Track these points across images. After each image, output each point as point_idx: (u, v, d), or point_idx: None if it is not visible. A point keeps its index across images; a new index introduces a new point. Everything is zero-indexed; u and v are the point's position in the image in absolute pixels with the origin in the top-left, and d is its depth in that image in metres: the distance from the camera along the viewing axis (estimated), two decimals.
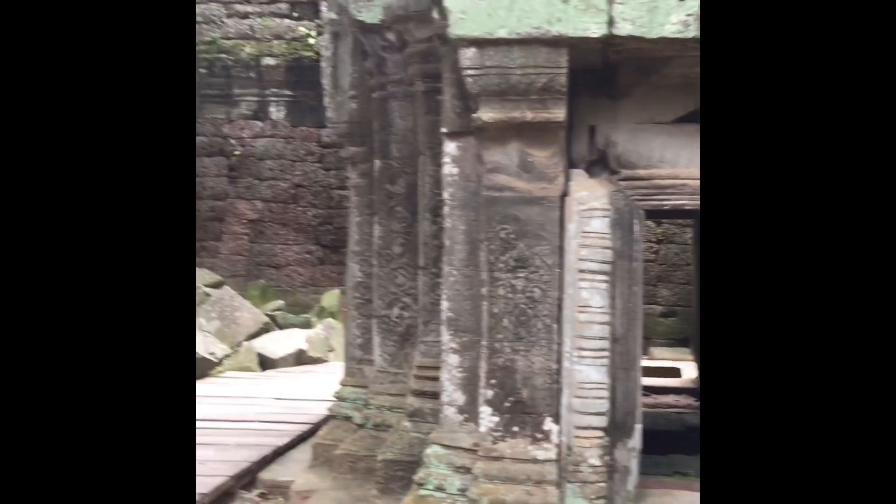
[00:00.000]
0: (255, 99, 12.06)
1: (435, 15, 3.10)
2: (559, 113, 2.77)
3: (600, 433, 2.85)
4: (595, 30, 2.64)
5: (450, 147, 3.22)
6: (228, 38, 12.03)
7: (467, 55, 2.74)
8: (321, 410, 5.60)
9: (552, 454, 2.83)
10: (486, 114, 2.79)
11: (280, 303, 10.60)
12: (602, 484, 2.84)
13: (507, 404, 2.85)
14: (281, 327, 9.52)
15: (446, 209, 3.24)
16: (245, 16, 12.10)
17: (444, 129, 3.26)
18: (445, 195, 3.24)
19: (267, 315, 9.49)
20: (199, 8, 12.17)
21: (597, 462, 2.83)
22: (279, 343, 8.61)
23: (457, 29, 2.72)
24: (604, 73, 2.99)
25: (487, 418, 2.86)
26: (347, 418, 4.43)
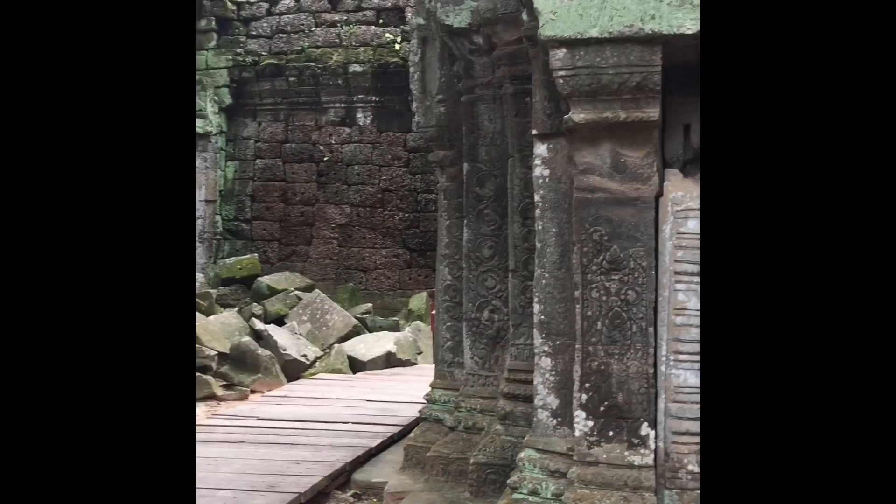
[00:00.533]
0: (343, 105, 12.28)
1: (524, 16, 3.09)
2: (653, 112, 2.71)
3: (699, 439, 2.77)
4: (690, 26, 2.57)
5: (540, 149, 3.20)
6: (317, 47, 12.29)
7: (558, 56, 2.71)
8: (411, 413, 5.66)
9: (649, 460, 2.77)
10: (577, 115, 2.75)
11: (369, 306, 10.73)
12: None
13: (602, 409, 2.80)
14: (370, 330, 9.64)
15: (537, 211, 3.22)
16: (333, 24, 12.33)
17: (534, 131, 3.24)
18: (536, 197, 3.22)
19: (356, 318, 9.63)
20: (289, 18, 12.48)
21: (696, 468, 2.76)
22: (369, 346, 8.72)
23: (547, 30, 2.70)
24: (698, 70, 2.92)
25: (582, 423, 2.82)
26: (438, 421, 4.45)
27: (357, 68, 11.96)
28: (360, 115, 12.22)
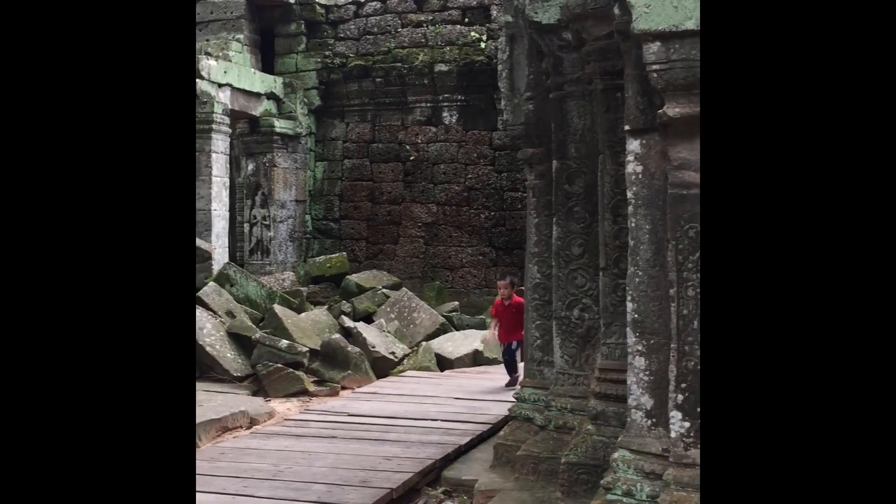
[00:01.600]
0: (429, 105, 12.36)
1: (615, 11, 3.05)
2: None
3: None
4: None
5: (633, 145, 3.15)
6: (403, 48, 12.41)
7: (652, 49, 2.67)
8: (499, 411, 5.65)
9: None
10: (672, 109, 2.70)
11: (455, 304, 10.77)
12: None
13: (700, 409, 2.74)
14: (457, 328, 9.67)
15: (630, 208, 3.17)
16: (418, 24, 12.43)
17: (626, 127, 3.19)
18: (629, 194, 3.16)
19: (443, 316, 9.68)
20: (375, 19, 12.65)
21: None
22: (456, 344, 8.75)
23: (641, 23, 2.65)
24: None
25: (678, 424, 2.77)
26: (528, 419, 4.44)
27: (443, 67, 12.02)
28: (445, 114, 12.28)
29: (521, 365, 6.39)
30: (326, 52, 12.70)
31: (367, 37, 12.71)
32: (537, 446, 4.07)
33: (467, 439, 5.08)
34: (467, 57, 11.92)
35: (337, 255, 11.64)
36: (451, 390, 6.90)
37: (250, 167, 12.37)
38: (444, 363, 8.38)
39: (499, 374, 7.66)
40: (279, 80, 12.42)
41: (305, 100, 12.64)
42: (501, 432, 4.66)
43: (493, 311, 7.54)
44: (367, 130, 12.76)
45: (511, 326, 7.04)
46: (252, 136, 12.26)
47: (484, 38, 11.96)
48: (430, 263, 12.29)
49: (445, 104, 12.24)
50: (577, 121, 4.12)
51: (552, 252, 4.34)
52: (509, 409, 4.78)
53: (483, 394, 6.65)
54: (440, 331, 9.25)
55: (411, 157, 12.42)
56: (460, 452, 4.85)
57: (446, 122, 12.27)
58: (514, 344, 7.02)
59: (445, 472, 4.49)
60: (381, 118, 12.68)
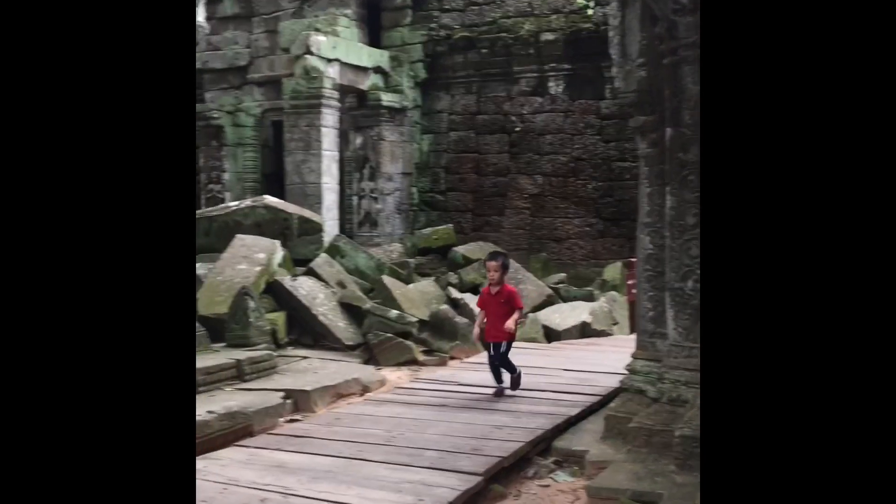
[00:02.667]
0: (535, 75, 12.24)
1: None
2: None
3: None
4: None
5: None
6: (508, 17, 12.31)
7: None
8: (609, 383, 5.61)
9: None
10: None
11: (562, 276, 10.71)
12: None
13: None
14: (564, 300, 9.62)
15: None
16: None
17: None
18: None
19: (550, 288, 9.64)
20: None
21: None
22: (563, 315, 8.71)
23: None
24: None
25: None
26: (640, 392, 4.39)
27: (548, 37, 11.86)
28: (551, 83, 12.14)
29: (504, 377, 5.61)
30: (432, 25, 12.73)
31: (472, 7, 12.66)
32: (650, 418, 4.03)
33: (577, 410, 5.07)
34: (574, 25, 11.72)
35: (443, 226, 11.74)
36: (559, 362, 6.88)
37: (358, 141, 12.59)
38: (551, 335, 8.36)
39: (607, 346, 7.59)
40: (386, 53, 12.55)
41: (411, 73, 12.73)
42: (612, 404, 4.63)
43: (479, 301, 5.91)
44: (473, 102, 12.76)
45: (498, 321, 5.55)
46: (360, 110, 12.46)
47: (591, 4, 11.72)
48: (535, 235, 12.24)
49: (551, 74, 12.09)
50: (693, 87, 4.00)
51: (665, 222, 4.25)
52: (620, 382, 4.74)
53: (592, 365, 6.61)
54: (547, 302, 9.23)
55: (517, 129, 12.35)
56: (570, 423, 4.85)
57: (552, 92, 12.13)
58: (504, 346, 5.56)
59: (556, 443, 4.50)
60: (487, 89, 12.64)
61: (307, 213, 9.69)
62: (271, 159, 12.92)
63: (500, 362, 5.58)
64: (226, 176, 12.64)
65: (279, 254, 8.31)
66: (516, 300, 5.63)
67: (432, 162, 13.07)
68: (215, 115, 12.49)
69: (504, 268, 5.63)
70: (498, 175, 12.54)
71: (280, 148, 12.07)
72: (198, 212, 9.99)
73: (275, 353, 6.58)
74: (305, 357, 7.01)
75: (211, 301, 7.30)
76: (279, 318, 7.56)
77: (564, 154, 12.03)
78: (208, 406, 4.92)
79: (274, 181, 12.56)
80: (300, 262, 8.86)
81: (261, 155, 12.89)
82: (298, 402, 5.57)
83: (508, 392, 5.57)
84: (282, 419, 5.28)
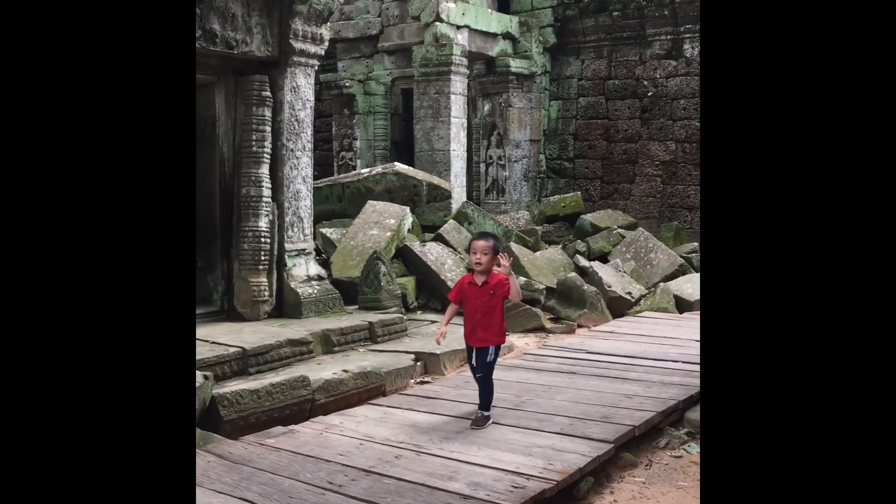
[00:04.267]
0: (669, 37, 11.82)
1: None
2: None
3: None
4: None
5: None
6: None
7: None
8: None
9: None
10: None
11: (694, 245, 10.38)
12: None
13: None
14: (696, 270, 9.34)
15: None
16: None
17: None
18: None
19: (681, 257, 9.37)
20: None
21: None
22: (695, 285, 8.46)
23: None
24: None
25: None
26: None
27: None
28: (686, 46, 11.69)
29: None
30: None
31: None
32: None
33: None
34: None
35: (571, 194, 11.61)
36: (690, 333, 6.70)
37: (486, 108, 12.57)
38: (682, 305, 8.14)
39: None
40: (514, 19, 12.43)
41: (540, 38, 12.56)
42: None
43: (455, 293, 4.43)
44: (603, 67, 12.48)
45: (483, 319, 4.21)
46: (488, 76, 12.42)
47: None
48: (667, 203, 11.91)
49: (687, 35, 11.64)
50: None
51: None
52: None
53: None
54: (678, 272, 8.98)
55: (649, 94, 12.00)
56: None
57: (687, 55, 11.69)
58: (491, 352, 4.21)
59: (688, 414, 4.41)
60: (618, 53, 12.33)
61: (436, 180, 9.80)
62: (401, 127, 13.11)
63: (480, 375, 4.19)
64: (357, 143, 12.93)
65: (409, 220, 8.45)
66: (506, 290, 4.21)
67: (560, 129, 12.90)
68: (347, 84, 12.76)
69: (495, 252, 4.20)
70: (628, 142, 12.25)
71: (409, 116, 12.22)
72: (331, 178, 10.29)
73: (405, 317, 6.72)
74: (434, 321, 7.13)
75: (344, 265, 7.54)
76: (409, 282, 7.71)
77: (699, 119, 11.60)
78: (343, 365, 5.10)
79: (403, 149, 12.76)
80: (429, 229, 8.98)
81: (391, 123, 13.10)
82: (428, 364, 5.68)
83: (481, 423, 4.10)
84: (412, 380, 5.41)
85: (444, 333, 4.31)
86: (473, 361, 4.24)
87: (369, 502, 3.07)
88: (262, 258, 6.26)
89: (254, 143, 6.24)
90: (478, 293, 4.21)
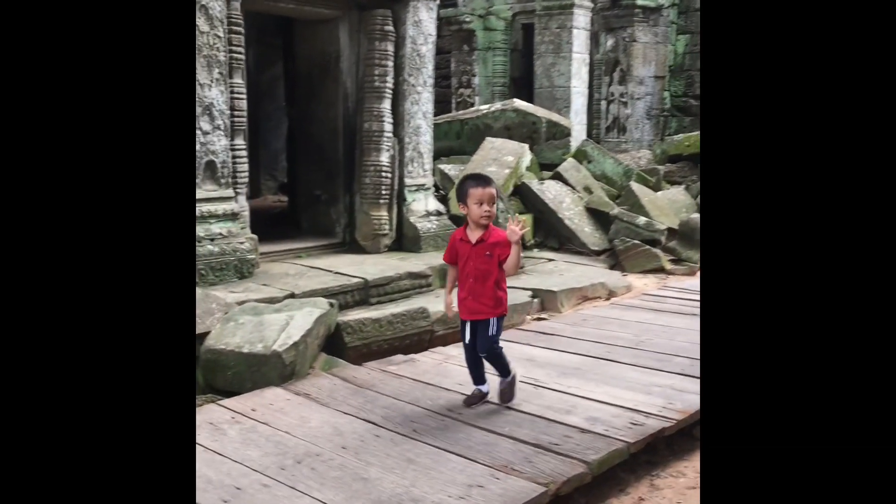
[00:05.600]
0: None
1: None
2: None
3: None
4: None
5: None
6: None
7: None
8: None
9: None
10: None
11: None
12: None
13: None
14: None
15: None
16: None
17: None
18: None
19: None
20: None
21: None
22: None
23: None
24: None
25: None
26: None
27: None
28: None
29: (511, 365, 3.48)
30: None
31: None
32: None
33: None
34: None
35: (695, 133, 11.19)
36: None
37: (609, 43, 12.20)
38: None
39: None
40: None
41: None
42: None
43: (447, 253, 3.55)
44: None
45: (474, 285, 3.38)
46: (612, 10, 12.01)
47: None
48: None
49: None
50: None
51: None
52: None
53: None
54: None
55: None
56: None
57: None
58: (493, 325, 3.39)
59: None
60: None
61: (555, 117, 9.64)
62: (520, 63, 12.91)
63: (486, 353, 3.41)
64: (476, 80, 12.84)
65: (527, 157, 8.38)
66: (505, 253, 3.34)
67: (687, 64, 12.39)
68: (467, 20, 12.63)
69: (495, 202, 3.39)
70: None
71: (529, 51, 12.00)
72: (449, 115, 10.28)
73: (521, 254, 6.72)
74: (551, 259, 7.10)
75: None
76: (526, 219, 7.68)
77: None
78: None
79: (522, 85, 12.58)
80: (547, 167, 8.88)
81: (510, 59, 12.92)
82: (545, 301, 5.68)
83: (491, 400, 3.47)
84: (529, 317, 5.43)
85: (450, 304, 3.47)
86: (466, 338, 3.44)
87: (488, 430, 3.13)
88: (383, 192, 6.37)
89: (376, 77, 6.30)
90: (471, 252, 3.35)
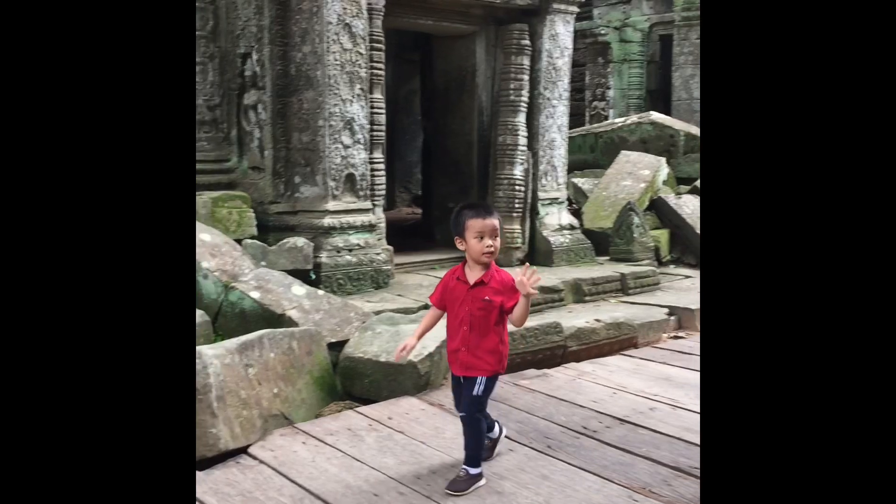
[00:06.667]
0: None
1: None
2: None
3: None
4: None
5: None
6: None
7: None
8: None
9: None
10: None
11: None
12: None
13: None
14: None
15: None
16: None
17: None
18: None
19: None
20: None
21: None
22: None
23: None
24: None
25: None
26: None
27: None
28: None
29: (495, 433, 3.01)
30: None
31: None
32: None
33: None
34: None
35: None
36: None
37: None
38: None
39: None
40: None
41: None
42: None
43: (435, 294, 2.93)
44: None
45: (469, 336, 2.78)
46: None
47: None
48: None
49: None
50: None
51: None
52: None
53: None
54: None
55: None
56: None
57: None
58: (480, 384, 2.76)
59: None
60: None
61: (694, 130, 9.37)
62: (656, 75, 12.65)
63: (469, 412, 2.77)
64: (610, 93, 12.68)
65: (664, 171, 8.18)
66: (511, 302, 2.73)
67: None
68: (602, 32, 12.51)
69: (502, 230, 3.02)
70: None
71: (667, 63, 11.74)
72: (583, 128, 10.19)
73: (657, 270, 6.56)
74: (688, 276, 6.90)
75: (596, 215, 7.48)
76: (662, 235, 7.50)
77: None
78: (595, 315, 5.09)
79: (658, 97, 12.31)
80: (684, 181, 8.65)
81: (646, 71, 12.68)
82: (682, 319, 5.52)
83: (462, 486, 2.73)
84: (665, 335, 5.28)
85: (409, 348, 2.83)
86: (458, 392, 2.88)
87: (624, 450, 3.07)
88: (516, 205, 6.37)
89: (511, 91, 6.32)
90: (466, 295, 2.78)
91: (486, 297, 2.74)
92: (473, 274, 2.79)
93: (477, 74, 6.51)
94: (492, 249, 2.73)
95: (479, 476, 2.77)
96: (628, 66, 12.59)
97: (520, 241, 6.39)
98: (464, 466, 2.79)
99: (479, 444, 2.81)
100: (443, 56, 6.88)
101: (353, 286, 5.18)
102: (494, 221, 2.76)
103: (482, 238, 2.73)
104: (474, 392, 2.76)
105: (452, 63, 6.73)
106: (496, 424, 3.04)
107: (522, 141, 6.36)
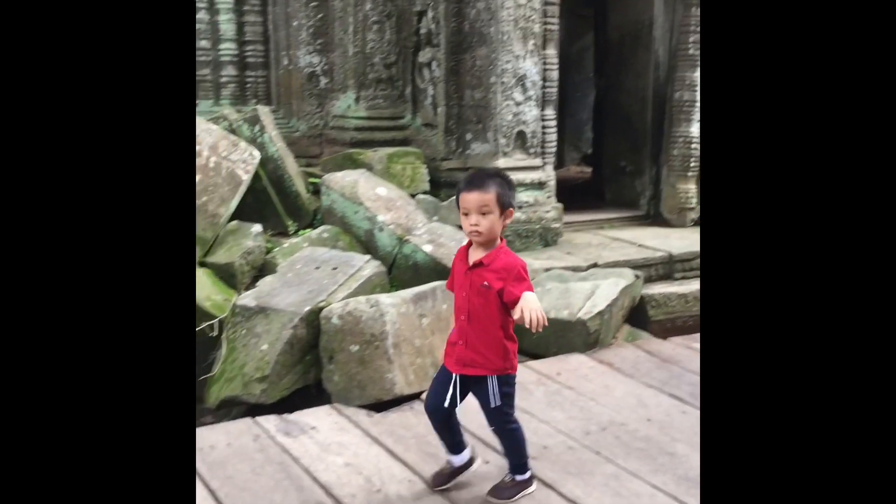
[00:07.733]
0: None
1: None
2: None
3: None
4: None
5: None
6: None
7: None
8: None
9: None
10: None
11: None
12: None
13: None
14: None
15: None
16: None
17: None
18: None
19: None
20: None
21: None
22: None
23: None
24: None
25: None
26: None
27: None
28: None
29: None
30: None
31: None
32: None
33: None
34: None
35: None
36: None
37: None
38: None
39: None
40: None
41: None
42: None
43: (449, 282, 2.58)
44: None
45: (466, 325, 2.40)
46: None
47: None
48: None
49: None
50: None
51: None
52: None
53: None
54: None
55: None
56: None
57: None
58: (495, 389, 2.39)
59: None
60: None
61: None
62: None
63: (498, 425, 2.48)
64: None
65: None
66: (513, 294, 2.31)
67: None
68: None
69: (503, 207, 2.37)
70: None
71: None
72: None
73: None
74: None
75: None
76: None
77: None
78: None
79: None
80: None
81: None
82: None
83: (511, 492, 2.51)
84: None
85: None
86: (446, 400, 2.43)
87: None
88: (692, 165, 6.14)
89: (691, 45, 6.05)
90: (465, 279, 2.41)
91: (485, 283, 2.33)
92: (475, 254, 2.39)
93: (654, 28, 6.28)
94: (478, 229, 2.31)
95: (528, 482, 2.48)
96: None
97: (694, 201, 6.17)
98: (509, 472, 2.51)
99: (522, 450, 2.49)
100: (618, 10, 6.68)
101: (522, 243, 5.20)
102: (487, 196, 2.30)
103: (468, 214, 2.32)
104: (491, 404, 2.38)
105: (628, 16, 6.53)
106: (468, 448, 2.57)
107: (699, 97, 6.10)
